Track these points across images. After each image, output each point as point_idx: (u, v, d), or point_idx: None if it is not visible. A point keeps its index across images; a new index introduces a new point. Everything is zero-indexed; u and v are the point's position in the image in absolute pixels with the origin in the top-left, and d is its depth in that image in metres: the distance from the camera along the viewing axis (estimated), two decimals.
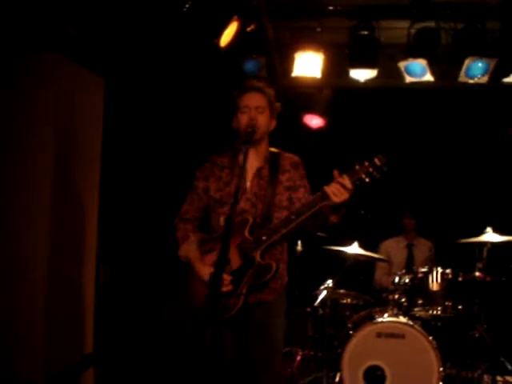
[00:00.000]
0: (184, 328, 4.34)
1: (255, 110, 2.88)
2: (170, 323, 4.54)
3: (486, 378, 4.39)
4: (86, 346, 4.22)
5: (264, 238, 2.79)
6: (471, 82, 4.95)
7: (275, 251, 2.91)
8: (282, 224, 2.79)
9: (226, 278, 2.72)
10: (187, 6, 4.00)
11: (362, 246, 4.66)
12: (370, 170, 2.72)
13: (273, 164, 2.96)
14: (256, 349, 2.87)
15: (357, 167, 2.74)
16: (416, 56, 4.85)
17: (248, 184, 2.94)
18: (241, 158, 2.90)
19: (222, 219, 2.94)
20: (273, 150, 3.02)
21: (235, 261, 2.80)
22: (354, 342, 4.05)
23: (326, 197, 2.72)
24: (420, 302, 4.42)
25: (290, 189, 2.95)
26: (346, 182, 2.69)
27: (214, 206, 2.97)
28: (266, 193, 2.90)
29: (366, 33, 4.86)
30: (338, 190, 2.69)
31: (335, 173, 2.72)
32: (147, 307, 4.68)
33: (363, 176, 2.72)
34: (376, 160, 2.73)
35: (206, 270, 2.78)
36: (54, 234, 3.86)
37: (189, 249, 2.94)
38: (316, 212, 2.77)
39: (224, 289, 2.69)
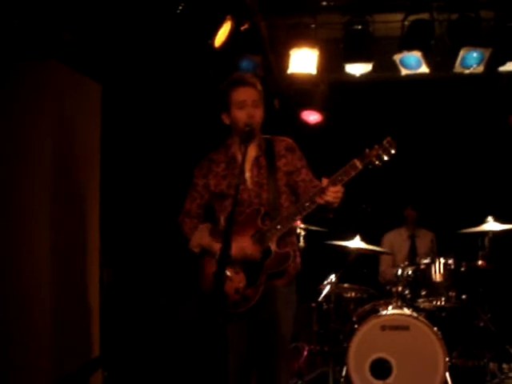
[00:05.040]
0: (189, 328, 4.37)
1: (252, 105, 2.89)
2: (176, 324, 4.57)
3: (491, 366, 4.42)
4: (93, 350, 4.24)
5: (279, 226, 2.81)
6: (467, 72, 4.95)
7: (289, 238, 2.93)
8: (297, 211, 2.81)
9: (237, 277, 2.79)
10: (180, 7, 4.01)
11: (363, 239, 4.68)
12: (380, 152, 2.78)
13: (268, 151, 2.98)
14: (263, 345, 2.87)
15: (367, 151, 2.79)
16: (410, 48, 4.86)
17: (248, 174, 2.95)
18: (234, 150, 2.96)
19: (222, 218, 2.97)
20: (264, 136, 3.03)
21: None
22: (359, 335, 4.06)
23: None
24: (423, 293, 4.42)
25: (289, 173, 2.97)
26: (336, 188, 2.72)
27: (217, 200, 3.01)
28: (268, 181, 2.92)
29: (359, 27, 4.87)
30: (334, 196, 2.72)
31: (324, 181, 2.74)
32: (151, 309, 4.70)
33: (374, 159, 2.77)
34: (385, 142, 2.80)
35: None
36: (55, 239, 3.86)
37: (201, 235, 2.96)
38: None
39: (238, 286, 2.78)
